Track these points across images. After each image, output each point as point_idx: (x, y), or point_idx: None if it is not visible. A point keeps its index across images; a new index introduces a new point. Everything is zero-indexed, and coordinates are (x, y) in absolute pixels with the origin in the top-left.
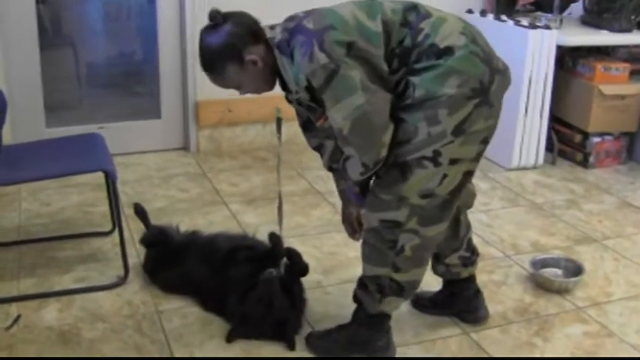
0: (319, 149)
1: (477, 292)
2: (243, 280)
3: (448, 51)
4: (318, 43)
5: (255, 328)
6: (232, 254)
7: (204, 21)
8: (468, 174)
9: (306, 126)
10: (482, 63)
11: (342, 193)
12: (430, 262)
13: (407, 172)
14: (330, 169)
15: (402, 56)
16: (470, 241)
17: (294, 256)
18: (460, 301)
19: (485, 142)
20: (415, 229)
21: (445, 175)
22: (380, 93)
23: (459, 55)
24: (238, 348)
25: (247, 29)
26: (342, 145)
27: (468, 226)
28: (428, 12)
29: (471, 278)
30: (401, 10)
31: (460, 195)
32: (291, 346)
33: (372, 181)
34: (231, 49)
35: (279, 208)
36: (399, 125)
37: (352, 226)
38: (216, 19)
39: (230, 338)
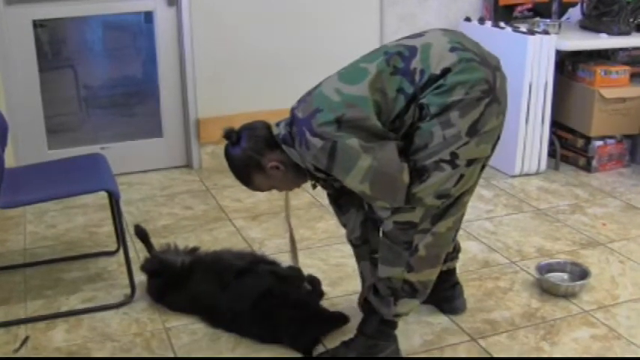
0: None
1: (455, 285)
2: (261, 291)
3: (446, 71)
4: (309, 130)
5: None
6: (254, 266)
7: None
8: (482, 169)
9: (338, 200)
10: (481, 65)
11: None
12: None
13: (424, 174)
14: (350, 242)
15: (410, 99)
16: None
17: (316, 283)
18: (437, 292)
19: (499, 138)
20: (428, 227)
21: (462, 176)
22: (382, 145)
23: (457, 70)
24: (238, 351)
25: (261, 139)
26: (372, 202)
27: None
28: (411, 50)
29: (450, 272)
30: (384, 63)
31: (473, 191)
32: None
33: None
34: (250, 163)
35: (291, 239)
36: (414, 132)
37: None
38: (231, 137)
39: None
